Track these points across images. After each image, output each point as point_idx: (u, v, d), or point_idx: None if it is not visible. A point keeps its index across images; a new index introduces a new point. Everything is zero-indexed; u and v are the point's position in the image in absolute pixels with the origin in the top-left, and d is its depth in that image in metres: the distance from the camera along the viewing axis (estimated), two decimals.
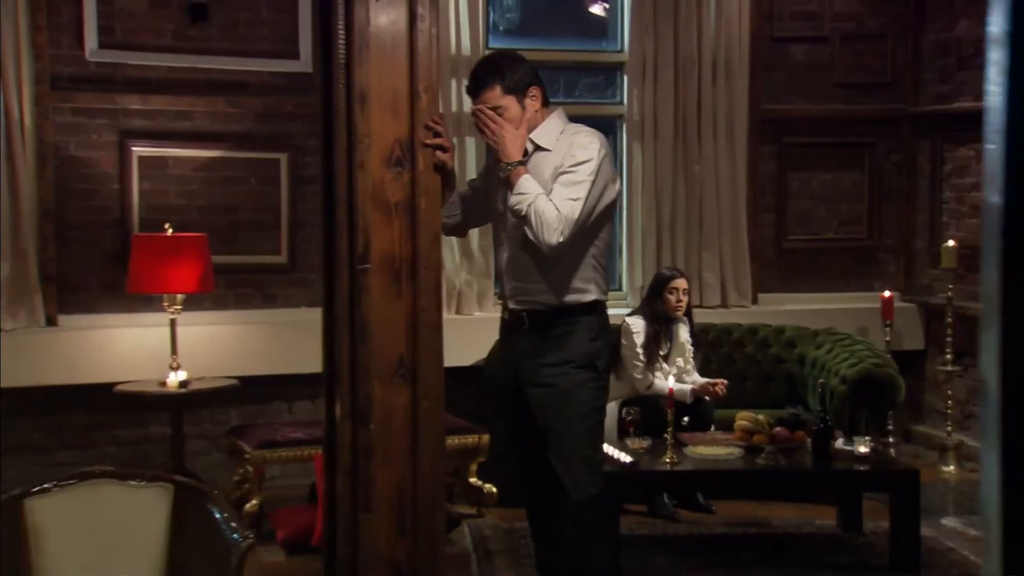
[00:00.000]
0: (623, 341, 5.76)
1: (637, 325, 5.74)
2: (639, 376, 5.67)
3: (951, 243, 6.58)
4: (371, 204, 3.51)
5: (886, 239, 7.37)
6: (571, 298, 3.61)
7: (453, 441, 5.63)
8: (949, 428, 6.63)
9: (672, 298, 5.77)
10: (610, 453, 4.84)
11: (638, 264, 6.86)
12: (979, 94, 6.85)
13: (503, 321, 3.81)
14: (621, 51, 6.96)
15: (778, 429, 4.87)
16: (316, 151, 6.29)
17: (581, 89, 7.04)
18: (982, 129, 5.83)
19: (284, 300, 6.39)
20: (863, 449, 4.87)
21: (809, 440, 4.95)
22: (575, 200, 3.47)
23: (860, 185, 7.29)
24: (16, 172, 5.81)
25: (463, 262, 6.58)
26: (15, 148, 5.79)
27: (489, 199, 3.82)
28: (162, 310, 5.85)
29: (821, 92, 7.17)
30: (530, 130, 3.66)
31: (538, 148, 3.65)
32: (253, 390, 6.08)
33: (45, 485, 3.07)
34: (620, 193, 3.77)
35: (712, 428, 5.57)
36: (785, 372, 6.30)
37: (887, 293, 6.85)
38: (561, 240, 3.45)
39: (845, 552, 5.07)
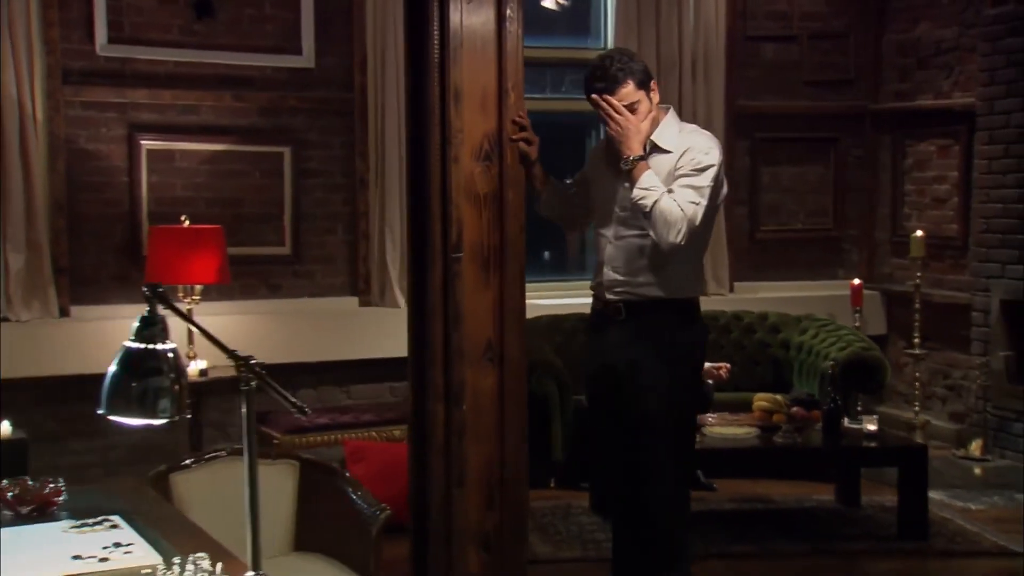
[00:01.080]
0: None
1: None
2: None
3: (919, 233, 6.98)
4: (463, 196, 3.72)
5: (849, 230, 7.78)
6: (672, 293, 3.80)
7: None
8: (916, 409, 7.04)
9: None
10: None
11: None
12: (938, 92, 7.33)
13: (596, 312, 4.01)
14: (606, 49, 7.22)
15: (795, 409, 5.20)
16: (318, 145, 6.52)
17: (567, 85, 7.30)
18: (941, 125, 6.45)
19: (288, 291, 6.53)
20: (871, 427, 5.22)
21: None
22: (697, 204, 3.64)
23: (825, 178, 7.69)
24: (29, 166, 5.86)
25: None
26: (28, 142, 5.84)
27: (593, 193, 3.99)
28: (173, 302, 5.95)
29: (790, 89, 7.54)
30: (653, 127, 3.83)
31: (656, 149, 3.80)
32: (236, 380, 6.17)
33: (186, 461, 3.23)
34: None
35: (709, 411, 5.86)
36: (770, 356, 6.64)
37: (856, 281, 7.23)
38: (681, 241, 3.62)
39: (852, 524, 5.44)
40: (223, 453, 3.35)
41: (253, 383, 2.09)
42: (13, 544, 2.43)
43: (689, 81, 7.19)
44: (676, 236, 3.62)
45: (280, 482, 3.35)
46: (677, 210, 3.62)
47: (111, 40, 6.11)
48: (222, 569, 2.12)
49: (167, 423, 2.12)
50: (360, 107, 6.53)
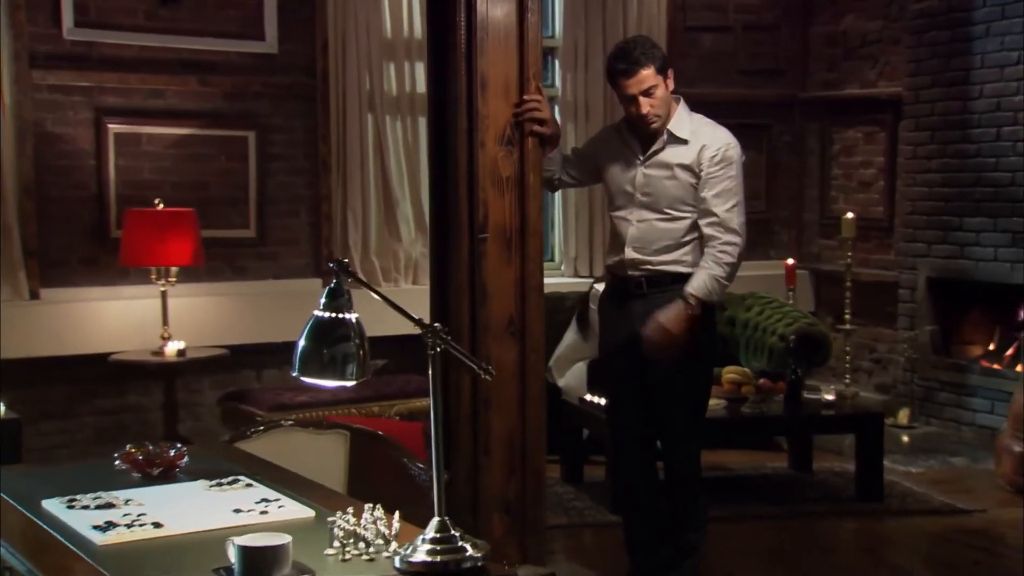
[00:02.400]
0: (592, 306, 6.29)
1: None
2: None
3: (850, 215, 7.38)
4: (488, 179, 3.93)
5: (780, 212, 8.17)
6: (690, 268, 4.05)
7: None
8: (847, 381, 7.46)
9: None
10: None
11: (572, 236, 7.42)
12: (864, 82, 7.75)
13: (613, 288, 4.25)
14: (554, 38, 7.47)
15: (763, 380, 5.53)
16: (282, 129, 6.64)
17: None
18: (867, 113, 6.97)
19: (253, 273, 6.62)
20: (829, 396, 5.58)
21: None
22: (734, 205, 4.00)
23: (758, 163, 8.05)
24: None
25: (418, 235, 6.93)
26: None
27: (608, 176, 4.21)
28: (142, 283, 6.05)
29: (726, 78, 7.88)
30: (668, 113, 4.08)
31: (673, 138, 4.07)
32: (221, 359, 6.25)
33: (248, 431, 3.38)
34: None
35: None
36: (718, 333, 6.95)
37: (790, 261, 7.62)
38: (742, 242, 4.04)
39: (810, 488, 5.81)
40: (280, 424, 3.50)
41: (439, 347, 2.26)
42: (167, 501, 2.57)
43: None
44: (738, 248, 4.03)
45: (332, 451, 3.51)
46: (726, 249, 3.99)
47: (77, 24, 6.12)
48: (398, 518, 2.30)
49: (356, 383, 2.29)
50: (322, 92, 6.65)
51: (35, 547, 2.28)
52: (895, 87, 7.53)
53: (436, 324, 2.31)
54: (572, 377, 6.37)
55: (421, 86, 6.89)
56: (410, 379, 6.24)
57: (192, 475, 2.76)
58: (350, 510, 2.29)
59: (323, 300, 2.30)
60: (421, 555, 2.15)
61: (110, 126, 6.22)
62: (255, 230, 6.61)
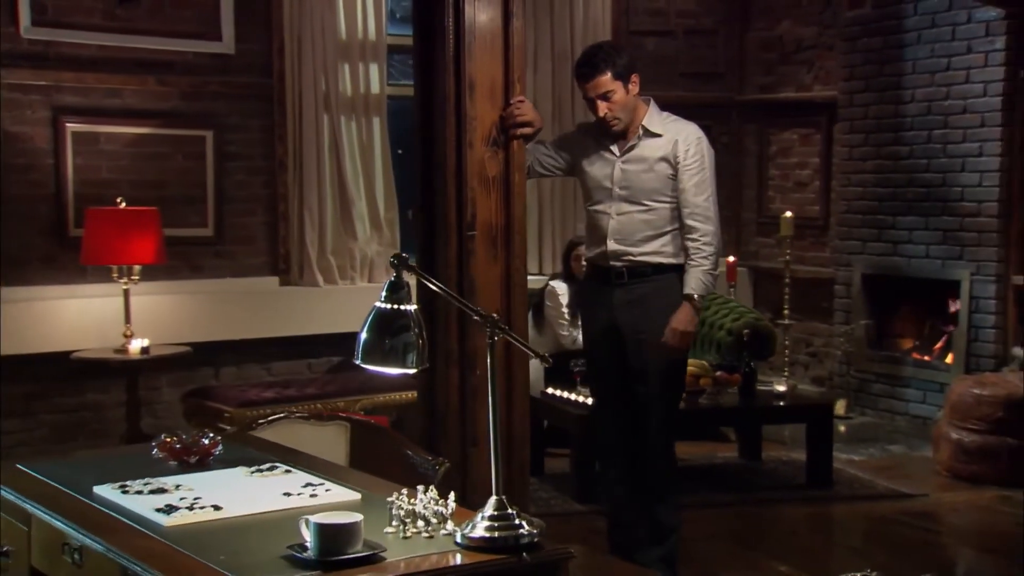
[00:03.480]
0: (548, 303, 6.47)
1: (561, 288, 6.47)
2: (565, 333, 6.39)
3: (788, 214, 7.65)
4: (476, 179, 4.07)
5: (720, 211, 8.38)
6: (669, 259, 4.28)
7: (403, 395, 6.20)
8: (786, 374, 7.72)
9: (576, 264, 6.52)
10: (579, 399, 5.57)
11: (532, 234, 7.58)
12: (800, 86, 8.04)
13: (593, 278, 4.42)
14: None
15: (720, 373, 5.74)
16: (239, 129, 6.71)
17: None
18: (803, 116, 7.34)
19: (211, 271, 6.67)
20: (781, 388, 5.82)
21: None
22: (709, 196, 4.27)
23: None
24: None
25: (373, 234, 7.04)
26: None
27: (585, 172, 4.38)
28: (101, 281, 6.08)
29: (668, 80, 8.10)
30: (633, 115, 4.27)
31: (648, 133, 4.29)
32: (184, 357, 6.30)
33: (258, 422, 3.47)
34: None
35: None
36: None
37: (731, 258, 7.86)
38: (718, 230, 4.31)
39: (762, 476, 6.05)
40: (283, 416, 3.60)
41: (497, 336, 2.39)
42: (214, 486, 2.66)
43: None
44: (717, 236, 4.28)
45: (333, 441, 3.62)
46: (706, 237, 4.24)
47: (35, 23, 6.12)
48: (453, 498, 2.43)
49: (416, 371, 2.41)
50: (279, 92, 6.72)
51: (104, 529, 2.36)
52: (830, 91, 7.83)
53: (494, 315, 2.44)
54: (530, 371, 6.51)
55: (376, 87, 7.01)
56: (372, 375, 6.30)
57: (226, 463, 2.86)
58: (404, 491, 2.42)
59: (384, 293, 2.42)
60: (480, 531, 2.29)
61: (68, 125, 6.23)
62: (213, 229, 6.66)
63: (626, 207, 4.28)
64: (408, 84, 7.28)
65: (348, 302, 6.86)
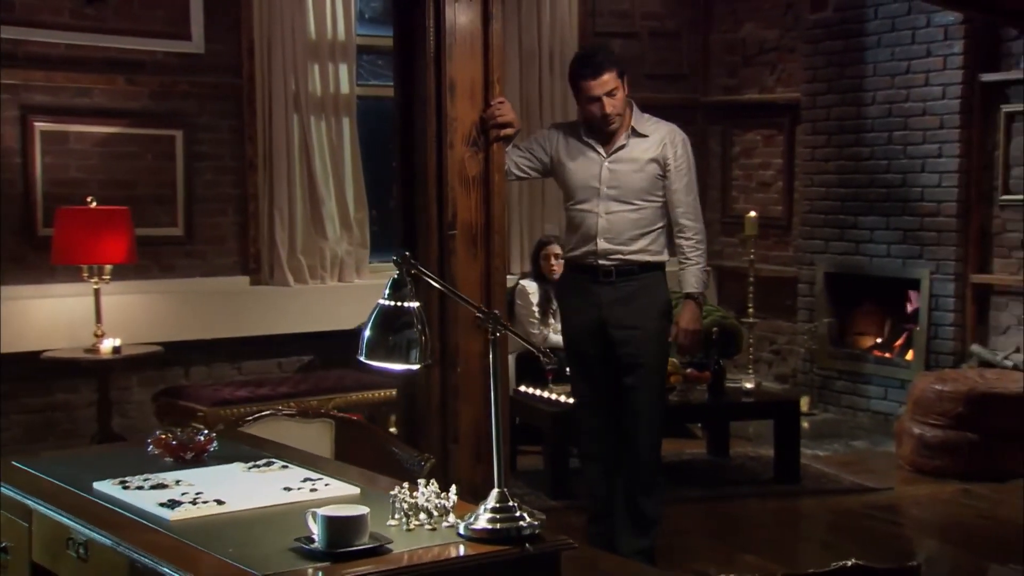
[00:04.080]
0: (518, 301, 6.53)
1: (531, 287, 6.53)
2: (535, 332, 6.45)
3: (753, 214, 7.75)
4: (456, 179, 4.13)
5: None
6: (656, 258, 4.38)
7: (377, 394, 6.24)
8: (750, 371, 7.83)
9: (545, 263, 6.59)
10: (551, 397, 5.64)
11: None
12: (763, 87, 8.15)
13: (579, 276, 4.46)
14: None
15: (690, 370, 5.82)
16: (209, 129, 6.72)
17: None
18: (766, 117, 7.54)
19: (181, 271, 6.67)
20: (749, 385, 5.92)
21: None
22: (696, 194, 4.41)
23: None
24: None
25: (343, 233, 7.07)
26: None
27: (570, 172, 4.42)
28: (71, 281, 6.07)
29: (634, 82, 8.08)
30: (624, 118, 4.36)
31: (636, 133, 4.37)
32: (155, 356, 6.29)
33: (240, 421, 3.52)
34: None
35: None
36: None
37: None
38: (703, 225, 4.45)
39: (730, 472, 6.14)
40: (269, 413, 3.63)
41: (499, 333, 2.44)
42: (214, 481, 2.69)
43: (547, 72, 7.74)
44: (705, 235, 4.47)
45: (317, 438, 3.65)
46: (696, 238, 4.40)
47: (3, 22, 6.09)
48: (455, 491, 2.48)
49: (420, 367, 2.45)
50: (248, 93, 6.74)
51: (109, 524, 2.39)
52: (792, 93, 7.95)
53: (495, 311, 2.50)
54: None
55: (345, 87, 7.04)
56: (344, 374, 6.38)
57: (221, 459, 2.90)
58: (406, 485, 2.47)
59: (387, 291, 2.45)
60: (483, 523, 2.34)
61: (36, 124, 6.21)
62: (183, 228, 6.66)
63: (615, 206, 4.34)
64: (378, 84, 7.42)
65: (318, 301, 6.91)
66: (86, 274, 5.94)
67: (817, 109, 7.73)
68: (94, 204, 5.96)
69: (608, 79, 4.29)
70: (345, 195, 7.02)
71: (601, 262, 4.37)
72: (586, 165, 4.40)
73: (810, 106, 7.77)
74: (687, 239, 4.39)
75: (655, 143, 4.38)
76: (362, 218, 7.13)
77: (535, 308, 6.48)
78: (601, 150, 4.39)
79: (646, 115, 4.49)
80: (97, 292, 5.94)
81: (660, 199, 4.36)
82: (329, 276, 7.05)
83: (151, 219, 6.52)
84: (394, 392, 6.16)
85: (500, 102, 4.12)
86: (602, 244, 4.36)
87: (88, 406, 6.29)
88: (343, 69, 6.99)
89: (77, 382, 6.29)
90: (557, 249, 6.65)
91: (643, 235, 4.36)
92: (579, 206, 4.42)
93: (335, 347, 6.98)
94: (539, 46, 7.70)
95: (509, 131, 4.16)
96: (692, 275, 4.38)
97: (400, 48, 4.25)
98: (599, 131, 4.39)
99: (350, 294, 7.01)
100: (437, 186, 4.13)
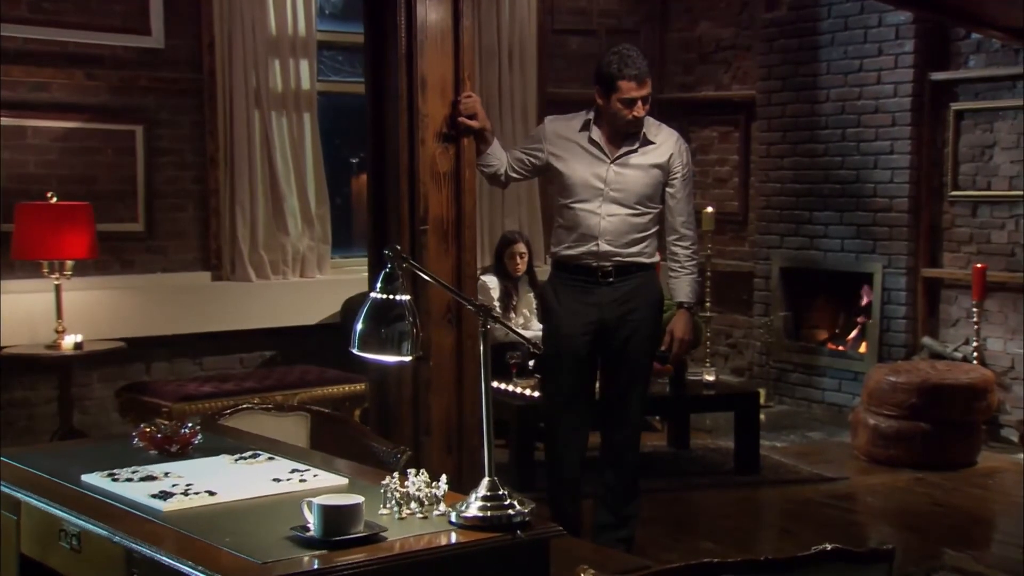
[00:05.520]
0: (479, 296, 6.57)
1: (492, 282, 6.59)
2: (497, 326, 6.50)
3: (710, 209, 7.86)
4: (428, 174, 4.17)
5: None
6: (649, 259, 4.45)
7: (341, 389, 6.26)
8: (708, 364, 7.94)
9: (511, 262, 6.65)
10: (517, 391, 5.70)
11: None
12: (719, 85, 8.25)
13: (574, 275, 4.44)
14: None
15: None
16: (169, 124, 6.70)
17: None
18: (722, 114, 7.73)
19: (141, 266, 6.65)
20: (710, 377, 6.01)
21: None
22: (693, 204, 4.53)
23: None
24: None
25: (305, 229, 7.07)
26: None
27: (569, 172, 4.42)
28: (29, 276, 6.04)
29: (591, 78, 8.23)
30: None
31: (647, 141, 4.41)
32: (117, 352, 6.28)
33: (218, 415, 3.54)
34: None
35: None
36: None
37: None
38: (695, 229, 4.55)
39: (691, 463, 6.24)
40: (246, 407, 3.66)
41: (489, 325, 2.49)
42: (202, 473, 2.71)
43: (507, 69, 7.79)
44: (698, 245, 4.59)
45: (294, 432, 3.68)
46: (690, 240, 4.51)
47: None
48: (444, 480, 2.53)
49: (412, 359, 2.50)
50: (209, 88, 6.72)
51: (102, 515, 2.41)
52: (748, 90, 8.06)
53: (486, 305, 2.55)
54: None
55: (306, 83, 7.05)
56: (308, 369, 6.40)
57: (207, 452, 2.92)
58: (396, 475, 2.52)
59: (379, 284, 2.50)
60: (474, 511, 2.39)
61: None
62: (143, 224, 6.63)
63: (616, 209, 4.37)
64: (338, 80, 7.43)
65: (280, 297, 6.92)
66: (47, 270, 5.91)
67: (772, 106, 7.85)
68: (54, 199, 5.92)
69: (648, 84, 4.38)
70: (306, 191, 7.03)
71: (602, 263, 4.39)
72: (589, 164, 4.40)
73: (765, 103, 7.89)
74: (684, 248, 4.47)
75: (663, 151, 4.42)
76: (324, 214, 7.14)
77: (496, 303, 6.54)
78: (608, 151, 4.40)
79: (649, 118, 4.51)
80: (58, 288, 5.92)
81: (659, 205, 4.44)
82: (291, 272, 7.05)
83: (112, 214, 6.49)
84: (358, 387, 6.24)
85: (467, 96, 4.17)
86: (604, 246, 4.37)
87: (47, 403, 6.26)
88: (304, 65, 7.00)
89: (36, 379, 6.25)
90: (523, 248, 6.72)
91: (641, 239, 4.42)
92: (579, 205, 4.40)
93: (297, 342, 7.00)
94: (498, 43, 7.75)
95: (474, 123, 4.21)
96: (687, 284, 4.46)
97: (371, 45, 4.28)
98: (615, 131, 4.39)
99: (312, 290, 7.04)
100: (409, 182, 4.17)
